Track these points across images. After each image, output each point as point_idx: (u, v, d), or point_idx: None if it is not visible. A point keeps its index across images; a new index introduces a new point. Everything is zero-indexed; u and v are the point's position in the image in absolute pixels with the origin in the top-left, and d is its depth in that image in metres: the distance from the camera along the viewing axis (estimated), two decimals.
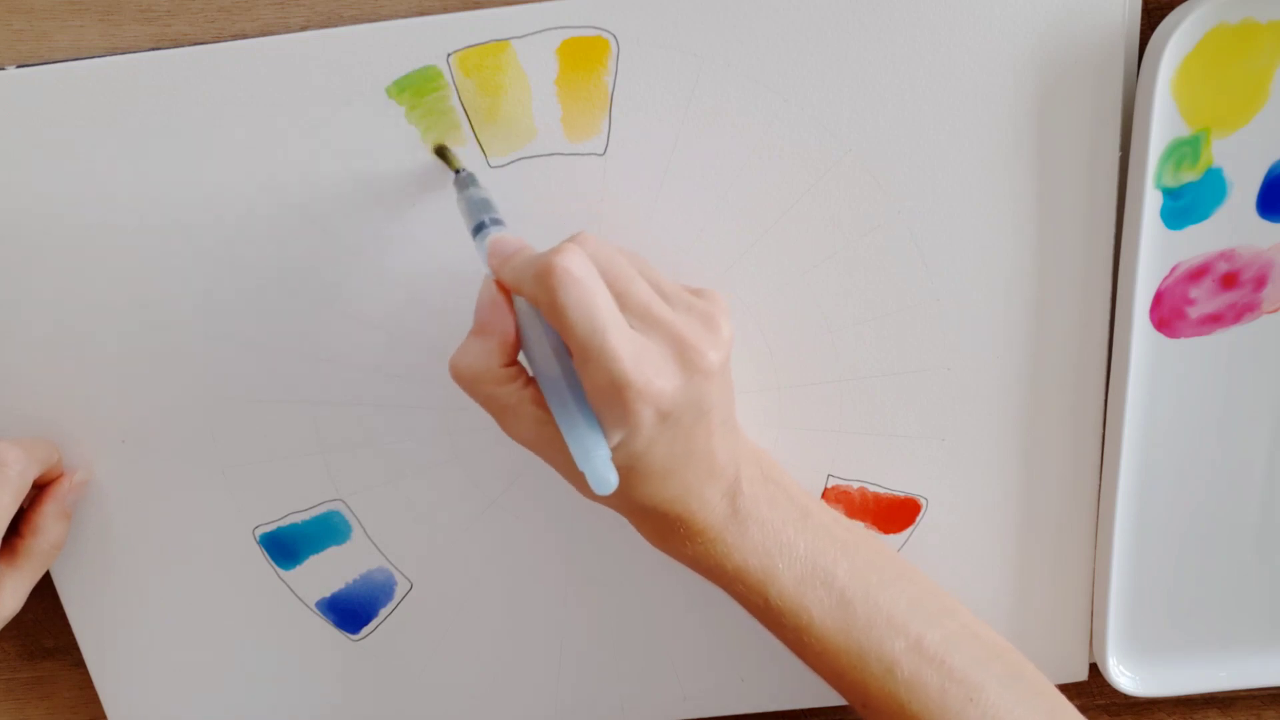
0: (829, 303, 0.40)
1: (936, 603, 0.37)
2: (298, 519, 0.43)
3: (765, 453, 0.39)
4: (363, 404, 0.42)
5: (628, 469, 0.32)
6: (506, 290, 0.33)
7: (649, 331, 0.31)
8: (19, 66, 0.37)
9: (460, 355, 0.33)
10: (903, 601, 0.36)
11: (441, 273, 0.40)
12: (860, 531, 0.39)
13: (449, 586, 0.45)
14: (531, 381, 0.33)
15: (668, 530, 0.35)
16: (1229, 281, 0.40)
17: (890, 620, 0.36)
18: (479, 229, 0.35)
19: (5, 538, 0.41)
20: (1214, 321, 0.40)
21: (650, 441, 0.31)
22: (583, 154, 0.38)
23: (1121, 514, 0.42)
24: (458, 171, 0.37)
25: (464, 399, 0.41)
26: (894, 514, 0.43)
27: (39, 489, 0.41)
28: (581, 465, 0.30)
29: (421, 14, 0.37)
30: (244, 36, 0.38)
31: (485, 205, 0.35)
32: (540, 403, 0.33)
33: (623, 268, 0.32)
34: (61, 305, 0.40)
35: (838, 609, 0.35)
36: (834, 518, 0.38)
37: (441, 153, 0.38)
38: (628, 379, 0.30)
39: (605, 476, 0.30)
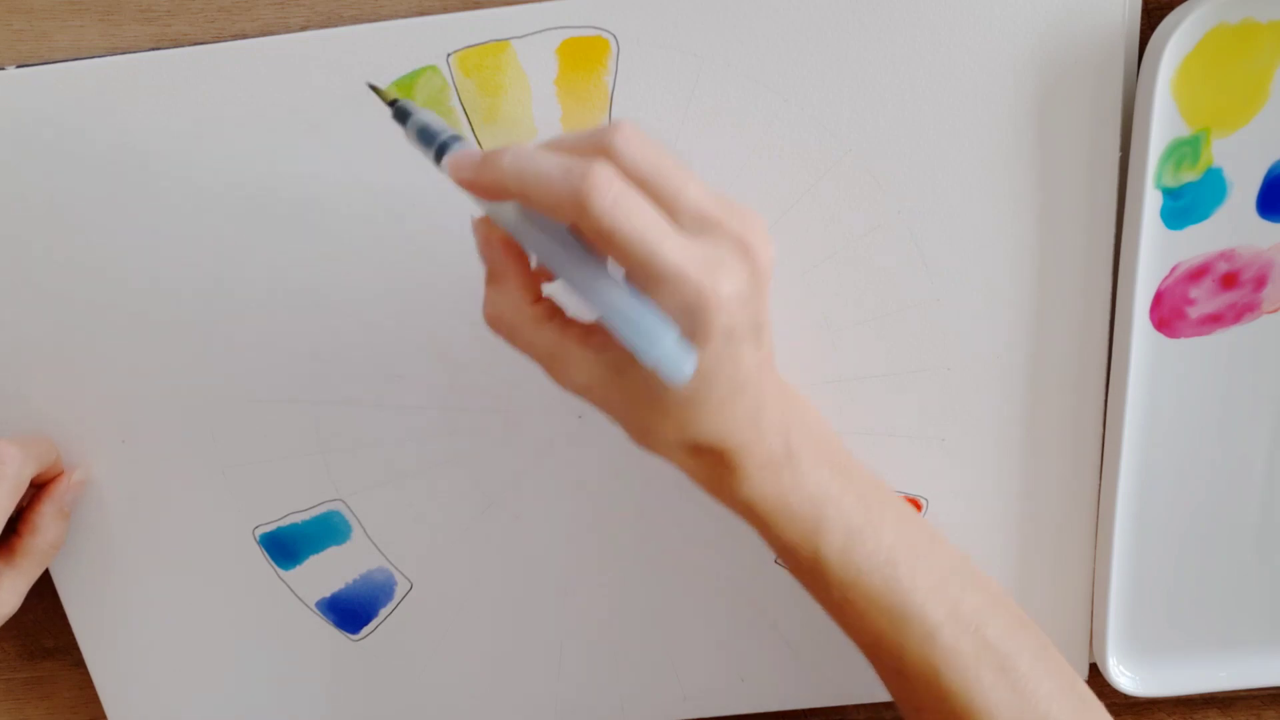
0: (829, 303, 0.40)
1: (969, 571, 0.37)
2: (298, 519, 0.43)
3: (805, 399, 0.38)
4: (363, 404, 0.42)
5: (688, 398, 0.31)
6: (493, 227, 0.31)
7: (708, 234, 0.29)
8: (19, 66, 0.37)
9: (488, 307, 0.32)
10: (942, 567, 0.36)
11: (442, 272, 0.40)
12: (895, 493, 0.38)
13: (449, 586, 0.45)
14: (570, 321, 0.32)
15: (723, 469, 0.33)
16: (1229, 281, 0.40)
17: (931, 586, 0.35)
18: (441, 152, 0.32)
19: (3, 537, 0.41)
20: (1214, 321, 0.40)
21: (716, 359, 0.29)
22: None
23: (1121, 514, 0.42)
24: (392, 103, 0.34)
25: (464, 398, 0.42)
26: None
27: (38, 488, 0.41)
28: (649, 355, 0.27)
29: (421, 14, 0.37)
30: (244, 36, 0.38)
31: (436, 126, 0.32)
32: (586, 340, 0.31)
33: (671, 168, 0.29)
34: (61, 304, 0.40)
35: (885, 568, 0.35)
36: (872, 476, 0.37)
37: (373, 89, 0.36)
38: (703, 294, 0.27)
39: (679, 361, 0.27)
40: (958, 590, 0.35)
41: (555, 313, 0.32)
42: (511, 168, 0.28)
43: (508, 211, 0.30)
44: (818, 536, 0.34)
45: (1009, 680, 0.34)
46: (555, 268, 0.29)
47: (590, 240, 0.28)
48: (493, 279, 0.32)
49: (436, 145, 0.32)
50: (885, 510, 0.36)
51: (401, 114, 0.33)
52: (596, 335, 0.32)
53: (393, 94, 0.35)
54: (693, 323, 0.28)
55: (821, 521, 0.34)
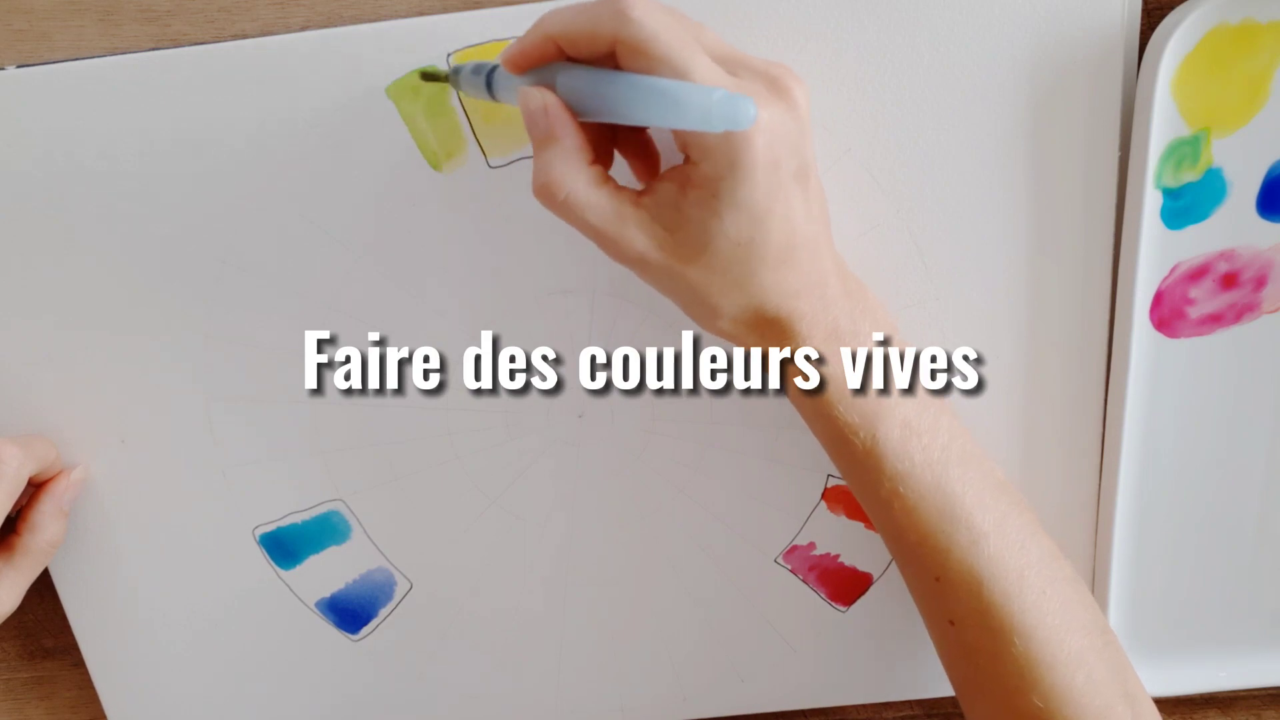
0: None
1: (1014, 492, 0.36)
2: (298, 519, 0.43)
3: (865, 284, 0.37)
4: (363, 404, 0.42)
5: (745, 248, 0.31)
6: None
7: (734, 70, 0.30)
8: (19, 66, 0.37)
9: (540, 175, 0.30)
10: (991, 481, 0.35)
11: (441, 272, 0.40)
12: (948, 402, 0.37)
13: (449, 586, 0.45)
14: (624, 188, 0.31)
15: (787, 342, 0.33)
16: (1229, 281, 0.40)
17: (980, 494, 0.35)
18: (490, 71, 0.33)
19: (2, 536, 0.41)
20: (1214, 321, 0.40)
21: (766, 194, 0.30)
22: None
23: (1121, 514, 0.42)
24: (452, 72, 0.36)
25: (464, 399, 0.41)
26: None
27: (37, 487, 0.41)
28: (704, 116, 0.27)
29: (421, 14, 0.37)
30: (244, 36, 0.38)
31: (479, 64, 0.34)
32: (642, 201, 0.31)
33: (689, 20, 0.30)
34: (61, 305, 0.40)
35: (938, 466, 0.34)
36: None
37: (429, 75, 0.36)
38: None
39: (735, 104, 0.26)
40: (1006, 505, 0.35)
41: (609, 178, 0.31)
42: (549, 17, 0.30)
43: (551, 75, 0.31)
44: (877, 420, 0.34)
45: (1047, 605, 0.34)
46: (601, 95, 0.29)
47: (627, 64, 0.29)
48: (546, 142, 0.30)
49: (487, 70, 0.33)
50: (941, 411, 0.35)
51: (455, 78, 0.35)
52: (651, 194, 0.32)
53: (443, 70, 0.36)
54: (731, 143, 0.29)
55: (881, 405, 0.34)
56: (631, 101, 0.28)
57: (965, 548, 0.34)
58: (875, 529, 0.37)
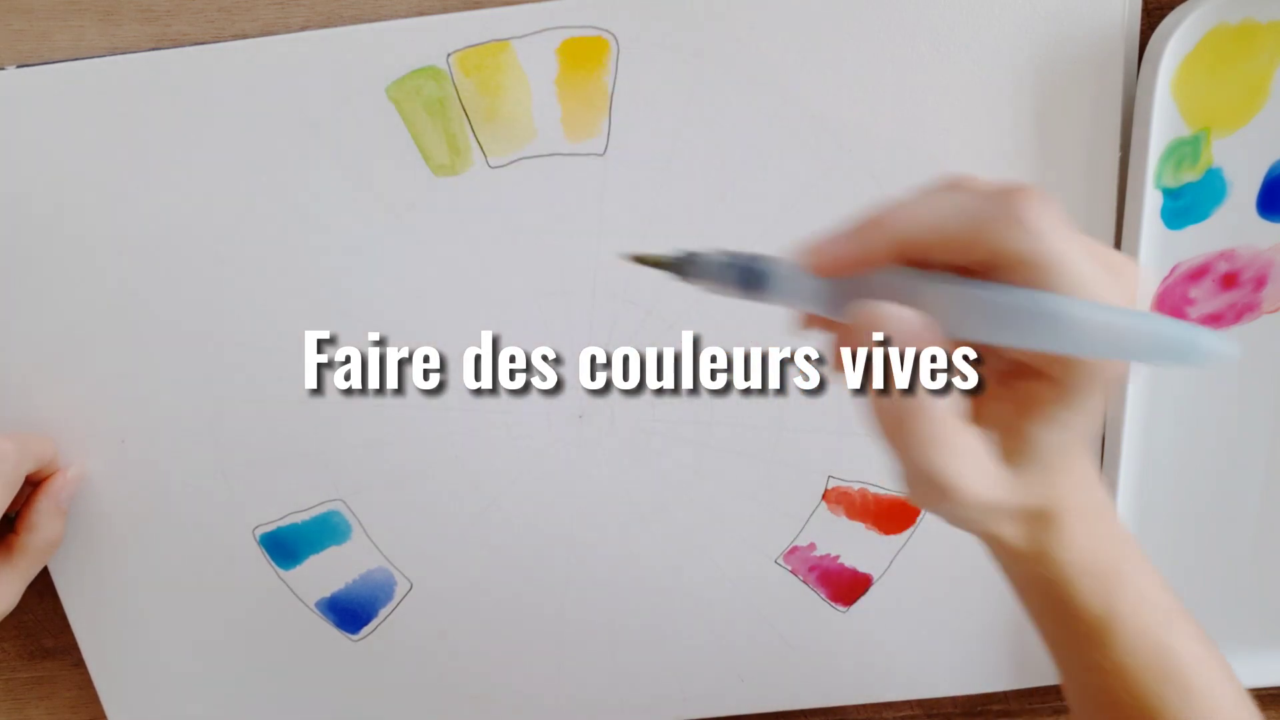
0: None
1: (1195, 621, 0.33)
2: (298, 519, 0.43)
3: None
4: (363, 404, 0.42)
5: (1067, 447, 0.26)
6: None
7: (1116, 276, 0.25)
8: (19, 66, 0.37)
9: (928, 464, 0.24)
10: (1194, 625, 0.32)
11: (441, 273, 0.40)
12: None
13: (449, 586, 0.45)
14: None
15: (1046, 528, 0.28)
16: (1229, 281, 0.40)
17: (1193, 647, 0.32)
18: (757, 278, 0.26)
19: (1, 535, 0.41)
20: (1214, 321, 0.40)
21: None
22: (583, 154, 0.38)
23: (1121, 514, 0.42)
24: (678, 260, 0.27)
25: (464, 399, 0.41)
26: (894, 515, 0.43)
27: (35, 486, 0.41)
28: (1188, 351, 0.22)
29: (421, 14, 0.37)
30: (244, 36, 0.38)
31: (735, 255, 0.26)
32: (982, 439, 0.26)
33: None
34: (62, 305, 0.40)
35: (1162, 628, 0.31)
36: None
37: (645, 261, 0.27)
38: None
39: (1221, 341, 0.22)
40: (1204, 650, 0.32)
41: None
42: (895, 214, 0.24)
43: (880, 285, 0.25)
44: (1118, 590, 0.30)
45: None
46: (1002, 324, 0.24)
47: (1007, 277, 0.23)
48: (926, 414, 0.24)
49: (746, 270, 0.26)
50: (1147, 562, 0.31)
51: (690, 266, 0.27)
52: (983, 422, 0.26)
53: (665, 257, 0.27)
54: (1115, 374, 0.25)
55: (1120, 576, 0.30)
56: (1067, 336, 0.23)
57: (1177, 706, 0.31)
58: (1065, 693, 0.34)
